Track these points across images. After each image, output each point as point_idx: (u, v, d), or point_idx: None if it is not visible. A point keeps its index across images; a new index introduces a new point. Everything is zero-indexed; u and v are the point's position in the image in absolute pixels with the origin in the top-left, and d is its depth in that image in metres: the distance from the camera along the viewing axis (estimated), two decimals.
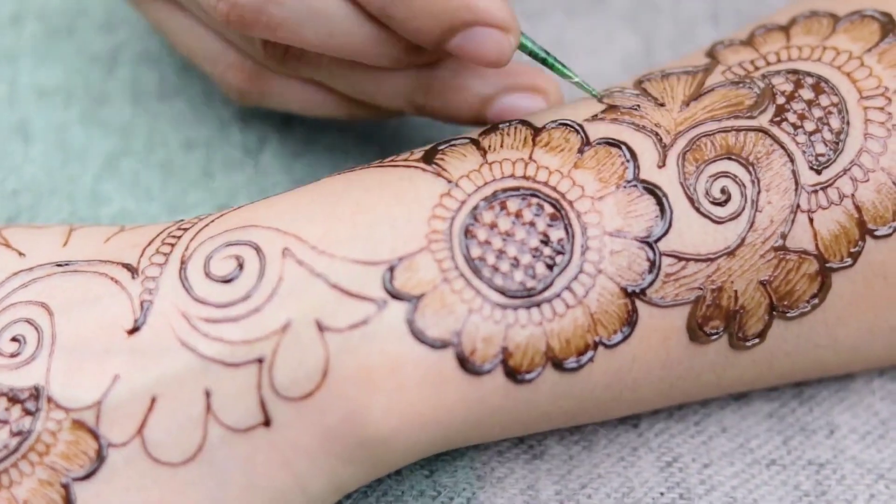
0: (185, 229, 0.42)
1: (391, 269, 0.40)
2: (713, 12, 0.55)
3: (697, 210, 0.41)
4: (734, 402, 0.47)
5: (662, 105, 0.43)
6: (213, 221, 0.42)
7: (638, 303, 0.41)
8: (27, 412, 0.40)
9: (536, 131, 0.42)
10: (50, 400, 0.40)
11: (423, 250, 0.40)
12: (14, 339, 0.41)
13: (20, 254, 0.43)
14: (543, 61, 0.43)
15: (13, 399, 0.40)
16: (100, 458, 0.40)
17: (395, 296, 0.40)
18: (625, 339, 0.41)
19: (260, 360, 0.40)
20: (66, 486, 0.40)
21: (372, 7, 0.41)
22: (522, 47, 0.43)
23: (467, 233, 0.41)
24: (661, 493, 0.45)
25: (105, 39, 0.54)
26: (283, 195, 0.43)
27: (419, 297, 0.40)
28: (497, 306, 0.40)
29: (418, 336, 0.40)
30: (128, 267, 0.42)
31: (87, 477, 0.40)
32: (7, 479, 0.40)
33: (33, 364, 0.41)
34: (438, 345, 0.40)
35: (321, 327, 0.40)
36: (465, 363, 0.40)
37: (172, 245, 0.42)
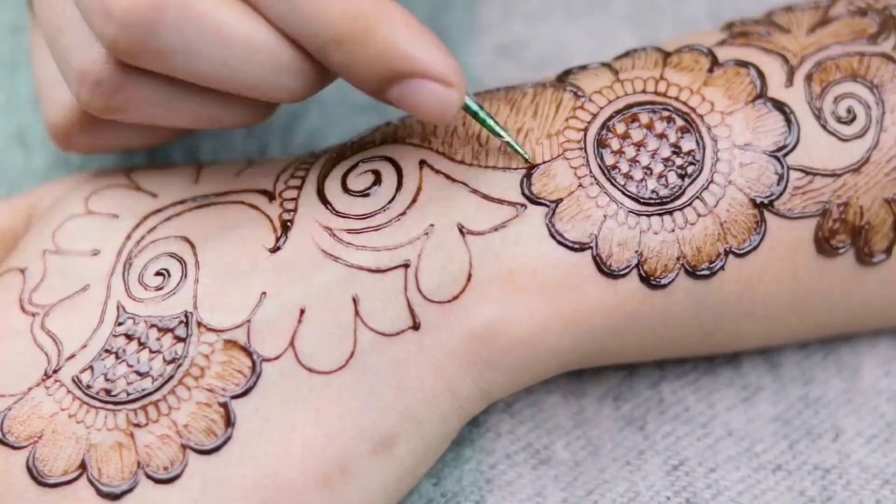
0: (318, 155, 0.44)
1: (528, 176, 0.41)
2: (713, 12, 0.54)
3: (824, 128, 0.42)
4: (741, 404, 0.47)
5: (789, 32, 0.44)
6: (345, 146, 0.44)
7: (766, 214, 0.42)
8: (178, 339, 0.41)
9: (667, 55, 0.44)
10: (200, 324, 0.41)
11: (559, 158, 0.42)
12: (158, 274, 0.42)
13: (152, 195, 0.44)
14: (483, 122, 0.42)
15: (163, 329, 0.41)
16: (255, 373, 0.41)
17: (534, 200, 0.41)
18: (754, 248, 0.42)
19: (405, 266, 0.41)
20: (224, 406, 0.41)
21: (311, 47, 0.39)
22: (465, 107, 0.42)
23: (601, 142, 0.42)
24: (668, 498, 0.45)
25: None
26: (408, 117, 0.44)
27: (557, 201, 0.41)
28: (631, 213, 0.41)
29: (558, 238, 0.41)
30: (264, 192, 0.43)
31: (245, 394, 0.41)
32: (165, 406, 0.41)
33: (180, 293, 0.42)
34: (577, 247, 0.41)
35: (463, 231, 0.41)
36: (602, 266, 0.41)
37: (307, 169, 0.43)
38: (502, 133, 0.42)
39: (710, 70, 0.43)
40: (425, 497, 0.45)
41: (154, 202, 0.44)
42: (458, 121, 0.43)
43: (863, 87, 0.43)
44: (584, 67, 0.44)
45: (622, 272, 0.41)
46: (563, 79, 0.44)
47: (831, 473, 0.46)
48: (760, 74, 0.43)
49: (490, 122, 0.42)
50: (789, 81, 0.43)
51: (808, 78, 0.43)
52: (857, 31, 0.44)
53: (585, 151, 0.42)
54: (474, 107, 0.42)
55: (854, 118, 0.43)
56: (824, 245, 0.43)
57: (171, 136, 0.45)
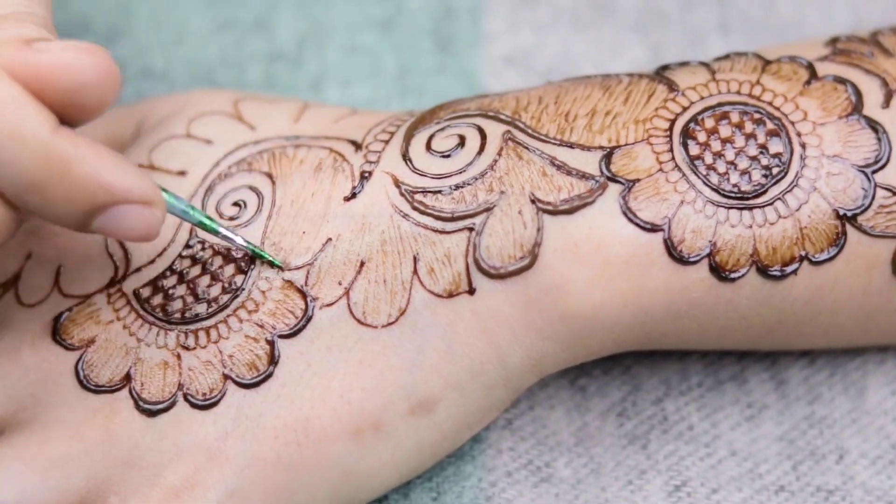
0: (414, 115, 0.44)
1: (608, 155, 0.42)
2: (722, 21, 0.54)
3: None
4: (745, 423, 0.47)
5: (893, 56, 0.44)
6: (438, 109, 0.44)
7: (848, 227, 0.42)
8: (240, 271, 0.42)
9: (767, 62, 0.44)
10: (263, 260, 0.42)
11: (642, 142, 0.42)
12: (235, 204, 0.43)
13: (251, 127, 0.45)
14: (200, 224, 0.41)
15: (228, 258, 0.42)
16: (306, 317, 0.41)
17: (611, 178, 0.41)
18: (831, 258, 0.42)
19: (470, 229, 0.41)
20: (271, 343, 0.41)
21: (8, 195, 0.37)
22: (171, 210, 0.41)
23: (688, 133, 0.42)
24: None
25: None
26: (508, 92, 0.44)
27: (634, 181, 0.41)
28: (709, 202, 0.41)
29: (629, 216, 0.41)
30: (352, 142, 0.44)
31: (293, 335, 0.41)
32: (215, 333, 0.41)
33: (251, 226, 0.42)
34: (648, 228, 0.41)
35: (534, 200, 0.41)
36: (672, 250, 0.41)
37: (398, 126, 0.44)
38: (232, 236, 0.42)
39: (808, 82, 0.43)
40: None
41: (250, 134, 0.45)
42: (552, 98, 0.43)
43: None
44: (683, 64, 0.44)
45: (692, 259, 0.41)
46: (659, 72, 0.44)
47: (835, 495, 0.45)
48: (857, 92, 0.43)
49: (207, 221, 0.41)
50: (886, 103, 0.43)
51: None
52: None
53: (671, 139, 0.42)
54: (185, 209, 0.41)
55: None
56: None
57: None
